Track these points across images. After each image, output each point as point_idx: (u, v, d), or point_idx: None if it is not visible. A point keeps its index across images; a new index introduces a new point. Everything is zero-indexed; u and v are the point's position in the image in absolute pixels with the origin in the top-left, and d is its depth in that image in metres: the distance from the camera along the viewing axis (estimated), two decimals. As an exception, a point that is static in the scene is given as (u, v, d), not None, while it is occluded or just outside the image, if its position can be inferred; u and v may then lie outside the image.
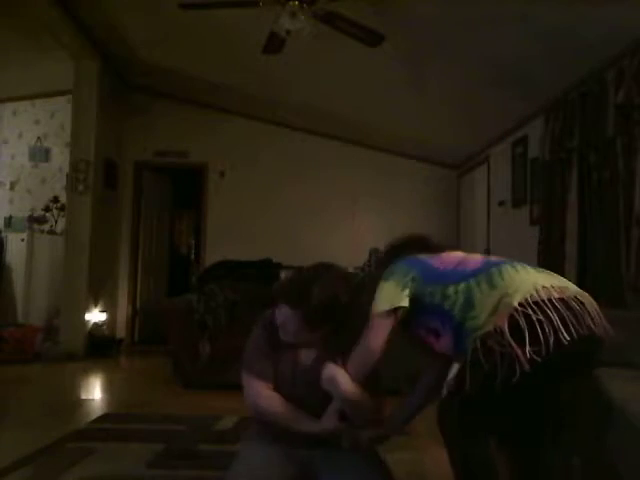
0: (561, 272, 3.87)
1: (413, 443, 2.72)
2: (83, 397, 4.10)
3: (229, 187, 6.77)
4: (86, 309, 5.74)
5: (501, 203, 5.42)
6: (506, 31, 3.64)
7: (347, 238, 6.65)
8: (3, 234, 6.32)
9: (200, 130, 6.75)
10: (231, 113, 6.74)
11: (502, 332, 1.32)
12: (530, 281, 1.40)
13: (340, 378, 1.59)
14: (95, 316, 5.90)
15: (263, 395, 1.70)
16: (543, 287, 1.38)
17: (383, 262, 1.72)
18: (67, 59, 5.66)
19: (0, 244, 6.13)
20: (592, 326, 1.38)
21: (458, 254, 1.65)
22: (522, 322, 1.31)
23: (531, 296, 1.35)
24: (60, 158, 6.66)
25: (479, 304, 1.39)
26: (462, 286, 1.44)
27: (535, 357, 1.28)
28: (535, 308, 1.33)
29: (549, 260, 4.08)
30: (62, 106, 6.64)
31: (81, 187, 5.73)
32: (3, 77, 6.23)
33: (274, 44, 3.77)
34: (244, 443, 1.91)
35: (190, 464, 2.41)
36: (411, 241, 1.81)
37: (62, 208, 6.43)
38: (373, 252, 4.83)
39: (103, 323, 6.01)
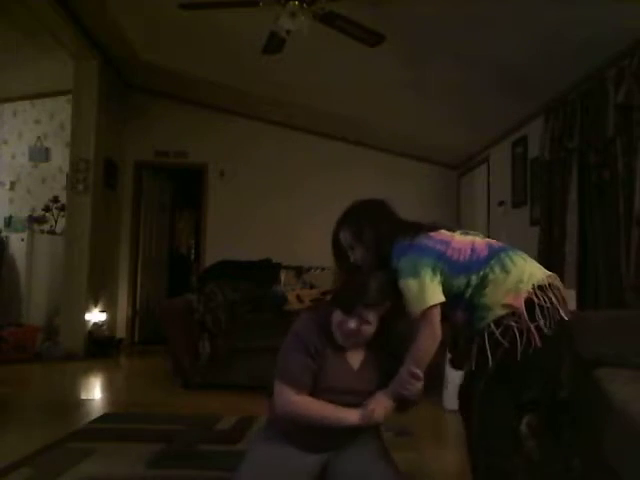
0: (561, 272, 3.87)
1: (413, 443, 2.72)
2: (83, 397, 4.10)
3: (229, 187, 6.77)
4: (86, 309, 5.74)
5: (501, 203, 5.42)
6: (506, 31, 3.64)
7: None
8: (3, 234, 6.31)
9: (200, 130, 6.75)
10: (231, 113, 6.74)
11: (520, 313, 1.54)
12: (537, 268, 1.65)
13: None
14: (95, 316, 5.90)
15: (292, 401, 1.67)
16: (547, 275, 1.63)
17: (384, 246, 1.76)
18: (67, 59, 5.66)
19: (0, 244, 6.13)
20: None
21: (463, 240, 1.73)
22: (537, 302, 1.55)
23: (540, 281, 1.59)
24: (60, 158, 6.67)
25: (492, 285, 1.60)
26: (481, 274, 1.63)
27: (547, 331, 1.53)
28: (541, 292, 1.57)
29: (549, 260, 4.08)
30: (62, 106, 6.65)
31: (81, 187, 5.74)
32: (3, 77, 6.23)
33: (274, 44, 3.77)
34: (254, 443, 1.90)
35: (190, 464, 2.41)
36: (402, 221, 1.89)
37: (62, 208, 6.43)
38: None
39: (103, 323, 6.01)
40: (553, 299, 1.57)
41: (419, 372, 1.64)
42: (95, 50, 5.66)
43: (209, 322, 4.19)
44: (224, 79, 5.91)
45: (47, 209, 6.61)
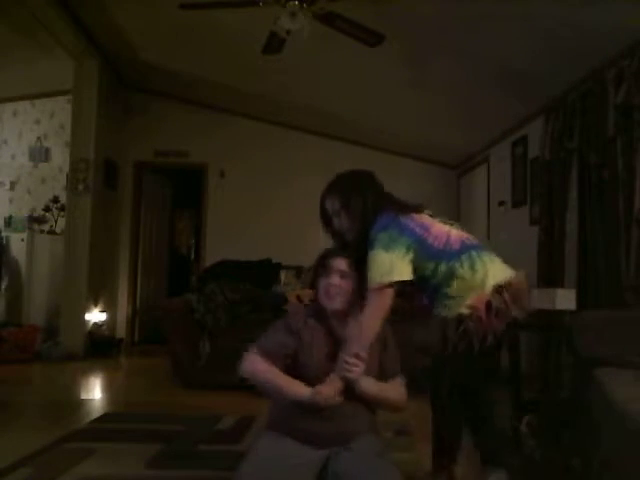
0: (561, 272, 3.88)
1: (413, 443, 2.72)
2: (83, 397, 4.10)
3: (229, 187, 6.77)
4: (86, 309, 5.74)
5: (501, 203, 5.42)
6: (506, 31, 3.65)
7: (347, 238, 6.65)
8: (3, 234, 6.31)
9: (200, 130, 6.74)
10: (231, 113, 6.74)
11: (479, 316, 1.66)
12: (500, 270, 1.76)
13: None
14: (95, 316, 5.90)
15: (255, 365, 1.78)
16: (509, 275, 1.75)
17: (368, 216, 1.81)
18: (67, 59, 5.65)
19: (0, 244, 6.13)
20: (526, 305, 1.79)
21: (442, 229, 1.80)
22: (494, 304, 1.67)
23: (499, 282, 1.71)
24: (60, 158, 6.67)
25: (459, 280, 1.70)
26: (450, 264, 1.71)
27: (502, 327, 1.70)
28: (498, 295, 1.69)
29: (549, 260, 4.09)
30: (62, 106, 6.65)
31: (81, 187, 5.73)
32: (3, 77, 6.23)
33: (274, 44, 3.77)
34: (256, 439, 1.91)
35: (190, 464, 2.41)
36: (388, 195, 1.95)
37: (62, 208, 6.43)
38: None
39: (103, 323, 6.01)
40: (508, 300, 1.69)
41: (362, 353, 1.68)
42: (95, 50, 5.66)
43: (209, 322, 4.19)
44: (224, 79, 5.91)
45: (47, 209, 6.61)
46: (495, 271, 1.73)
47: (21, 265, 6.11)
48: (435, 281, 1.72)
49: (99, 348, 5.71)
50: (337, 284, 1.77)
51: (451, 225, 1.83)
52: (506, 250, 5.59)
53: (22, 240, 6.17)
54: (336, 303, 1.79)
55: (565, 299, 3.24)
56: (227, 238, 6.56)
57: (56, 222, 6.54)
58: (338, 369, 1.70)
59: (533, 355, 4.14)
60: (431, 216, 1.87)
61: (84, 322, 5.70)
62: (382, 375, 1.83)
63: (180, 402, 3.77)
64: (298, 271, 5.61)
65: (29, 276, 6.10)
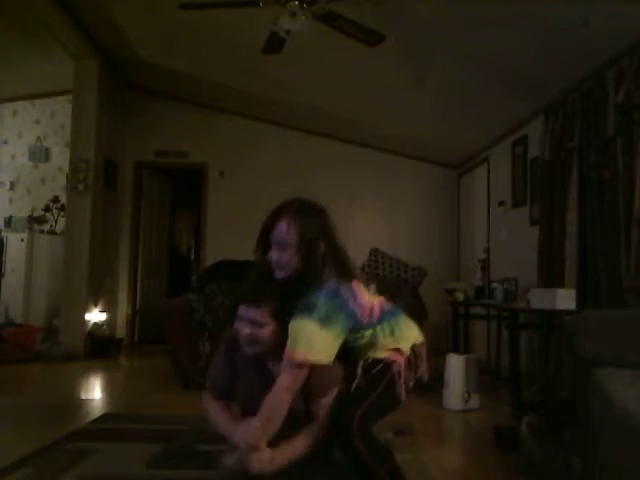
0: (561, 272, 3.87)
1: (413, 443, 2.72)
2: (83, 397, 4.10)
3: (229, 187, 6.77)
4: (86, 309, 5.74)
5: (501, 203, 5.42)
6: (506, 31, 3.64)
7: (347, 238, 6.57)
8: (3, 234, 6.32)
9: (200, 130, 6.75)
10: (231, 113, 6.74)
11: (400, 364, 1.71)
12: (414, 332, 1.80)
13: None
14: (95, 316, 5.90)
15: (206, 404, 1.78)
16: (421, 338, 1.81)
17: (316, 265, 1.64)
18: (67, 59, 5.66)
19: (0, 244, 6.13)
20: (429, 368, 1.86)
21: (367, 299, 1.73)
22: (412, 359, 1.75)
23: (415, 342, 1.78)
24: (60, 158, 6.67)
25: (378, 344, 1.70)
26: (372, 333, 1.69)
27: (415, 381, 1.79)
28: (417, 350, 1.77)
29: (549, 260, 4.09)
30: (62, 106, 6.65)
31: (81, 187, 5.73)
32: (3, 77, 6.24)
33: (274, 44, 3.77)
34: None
35: (190, 464, 2.41)
36: (342, 251, 1.79)
37: (62, 208, 6.43)
38: (373, 252, 4.83)
39: (103, 323, 6.01)
40: (422, 358, 1.78)
41: (259, 429, 1.52)
42: (95, 50, 5.67)
43: (209, 322, 4.19)
44: (224, 79, 5.91)
45: (47, 209, 6.61)
46: (410, 334, 1.78)
47: (21, 265, 6.11)
48: (356, 348, 1.69)
49: (99, 348, 5.71)
50: (249, 333, 1.63)
51: (372, 294, 1.78)
52: (506, 250, 5.63)
53: (22, 240, 6.17)
54: (251, 350, 1.66)
55: (565, 299, 3.24)
56: (227, 238, 6.56)
57: (56, 222, 6.54)
58: (239, 434, 1.56)
59: (533, 355, 4.15)
60: (362, 280, 1.79)
61: (84, 322, 5.70)
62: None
63: (180, 402, 3.76)
64: (298, 271, 5.60)
65: (29, 276, 6.10)
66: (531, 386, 3.82)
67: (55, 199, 6.61)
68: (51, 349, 5.49)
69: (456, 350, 4.59)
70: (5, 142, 6.96)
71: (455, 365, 3.55)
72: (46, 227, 6.57)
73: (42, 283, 6.12)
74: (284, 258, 1.62)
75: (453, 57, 4.26)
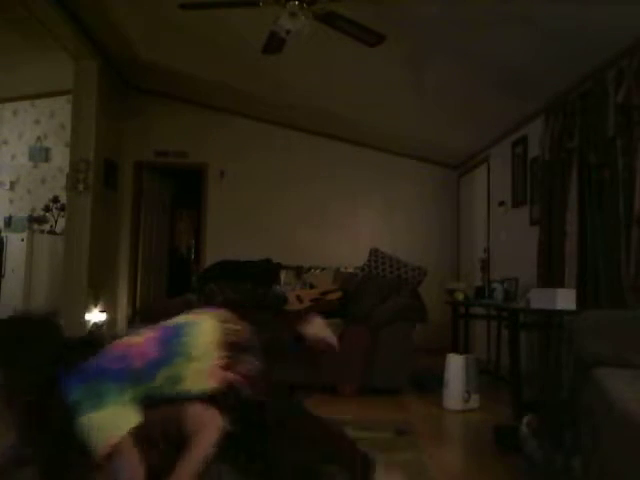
0: (561, 272, 3.88)
1: (413, 443, 2.72)
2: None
3: (229, 187, 6.77)
4: (86, 309, 5.74)
5: (501, 203, 5.42)
6: (506, 31, 3.64)
7: (347, 238, 6.66)
8: (3, 234, 6.32)
9: (200, 130, 6.75)
10: (231, 113, 6.75)
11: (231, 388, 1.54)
12: (209, 332, 1.58)
13: None
14: (95, 316, 5.90)
15: None
16: (220, 326, 1.60)
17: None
18: (67, 59, 5.66)
19: (0, 244, 6.13)
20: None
21: (138, 342, 1.54)
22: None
23: (217, 341, 1.56)
24: (60, 158, 6.67)
25: (184, 375, 1.51)
26: (168, 368, 1.50)
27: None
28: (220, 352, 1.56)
29: (549, 260, 4.09)
30: (62, 106, 6.66)
31: (81, 187, 5.74)
32: (3, 77, 6.24)
33: (274, 44, 3.77)
34: None
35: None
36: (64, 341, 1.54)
37: (62, 208, 6.43)
38: (373, 252, 4.83)
39: (103, 323, 6.01)
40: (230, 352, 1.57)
41: None
42: (95, 50, 5.66)
43: (209, 322, 4.18)
44: (224, 79, 5.91)
45: (47, 209, 6.62)
46: (206, 338, 1.56)
47: (21, 265, 6.12)
48: (162, 391, 1.49)
49: (99, 348, 5.70)
50: None
51: (142, 333, 1.58)
52: (506, 250, 5.62)
53: (22, 240, 6.17)
54: None
55: (565, 299, 3.24)
56: (227, 238, 6.56)
57: (56, 222, 6.55)
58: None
59: (533, 355, 4.15)
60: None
61: (84, 322, 5.70)
62: None
63: (180, 402, 3.76)
64: (298, 271, 5.61)
65: (29, 276, 6.10)
66: (531, 386, 3.82)
67: (55, 199, 6.61)
68: (51, 349, 5.49)
69: (456, 350, 4.59)
70: (5, 142, 6.97)
71: (455, 365, 3.55)
72: (46, 227, 6.57)
73: (42, 283, 6.12)
74: None
75: (453, 57, 4.26)
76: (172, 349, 1.52)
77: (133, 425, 1.41)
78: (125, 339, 1.54)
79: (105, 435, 1.38)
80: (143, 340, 1.53)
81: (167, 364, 1.50)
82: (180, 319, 1.64)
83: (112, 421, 1.40)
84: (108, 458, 1.38)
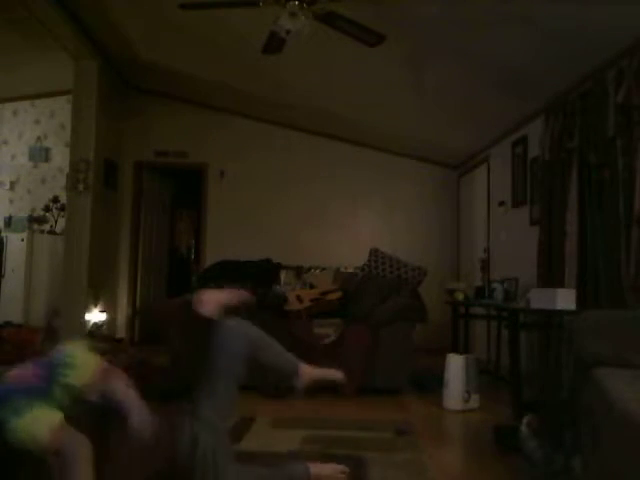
0: (561, 272, 3.88)
1: (413, 443, 2.72)
2: (83, 397, 4.09)
3: (229, 187, 6.77)
4: (86, 309, 5.74)
5: (501, 203, 5.42)
6: (506, 31, 3.64)
7: (347, 238, 6.66)
8: (3, 234, 6.32)
9: (200, 130, 6.75)
10: (231, 113, 6.75)
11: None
12: (89, 354, 1.73)
13: None
14: (95, 316, 5.90)
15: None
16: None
17: None
18: (67, 59, 5.66)
19: (0, 244, 6.13)
20: None
21: (14, 374, 1.66)
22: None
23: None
24: (60, 158, 6.67)
25: (74, 385, 1.62)
26: (56, 384, 1.61)
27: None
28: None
29: (549, 260, 4.09)
30: (62, 106, 6.66)
31: (81, 187, 5.74)
32: (3, 77, 6.24)
33: (274, 44, 3.76)
34: None
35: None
36: None
37: (62, 208, 6.43)
38: (373, 252, 4.83)
39: (103, 323, 6.01)
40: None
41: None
42: (95, 50, 5.66)
43: (209, 322, 4.18)
44: (224, 79, 5.91)
45: (47, 209, 6.62)
46: (83, 352, 1.71)
47: (21, 265, 6.12)
48: (65, 399, 1.61)
49: (99, 348, 5.71)
50: None
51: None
52: (506, 250, 5.63)
53: (22, 240, 6.17)
54: None
55: (565, 299, 3.24)
56: (227, 238, 6.56)
57: (56, 222, 6.55)
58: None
59: (533, 355, 4.15)
60: None
61: (84, 322, 5.70)
62: None
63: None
64: (298, 271, 5.61)
65: (29, 276, 6.10)
66: (531, 386, 3.82)
67: (55, 199, 6.61)
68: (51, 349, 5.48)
69: (456, 350, 4.59)
70: (5, 142, 6.97)
71: (455, 365, 3.55)
72: (46, 227, 6.57)
73: (42, 283, 6.12)
74: None
75: (453, 57, 4.26)
76: (56, 367, 1.65)
77: (59, 419, 1.54)
78: (14, 371, 1.66)
79: (41, 427, 1.51)
80: (31, 367, 1.67)
81: (56, 378, 1.62)
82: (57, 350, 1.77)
83: (40, 416, 1.54)
84: (55, 444, 1.50)
